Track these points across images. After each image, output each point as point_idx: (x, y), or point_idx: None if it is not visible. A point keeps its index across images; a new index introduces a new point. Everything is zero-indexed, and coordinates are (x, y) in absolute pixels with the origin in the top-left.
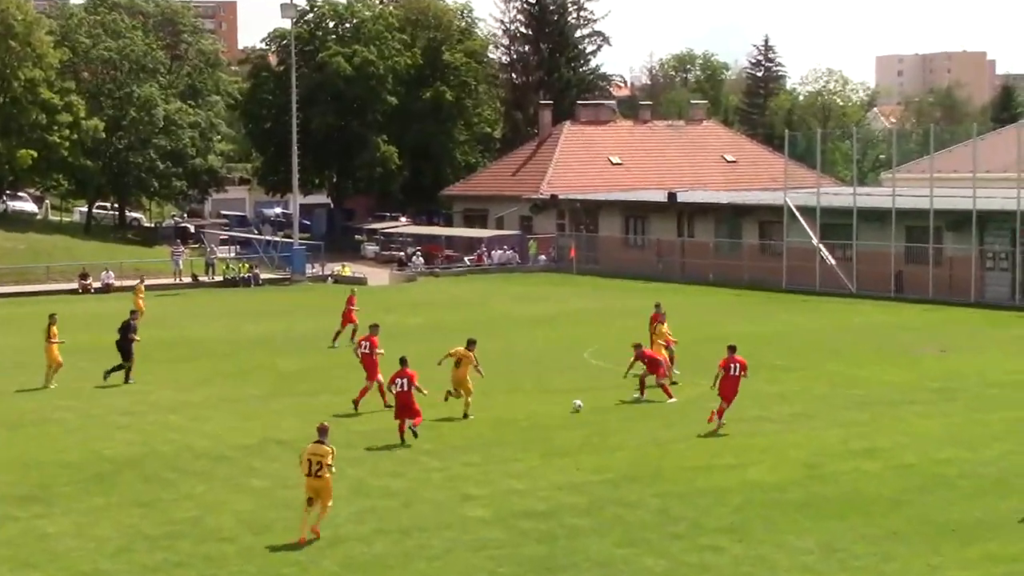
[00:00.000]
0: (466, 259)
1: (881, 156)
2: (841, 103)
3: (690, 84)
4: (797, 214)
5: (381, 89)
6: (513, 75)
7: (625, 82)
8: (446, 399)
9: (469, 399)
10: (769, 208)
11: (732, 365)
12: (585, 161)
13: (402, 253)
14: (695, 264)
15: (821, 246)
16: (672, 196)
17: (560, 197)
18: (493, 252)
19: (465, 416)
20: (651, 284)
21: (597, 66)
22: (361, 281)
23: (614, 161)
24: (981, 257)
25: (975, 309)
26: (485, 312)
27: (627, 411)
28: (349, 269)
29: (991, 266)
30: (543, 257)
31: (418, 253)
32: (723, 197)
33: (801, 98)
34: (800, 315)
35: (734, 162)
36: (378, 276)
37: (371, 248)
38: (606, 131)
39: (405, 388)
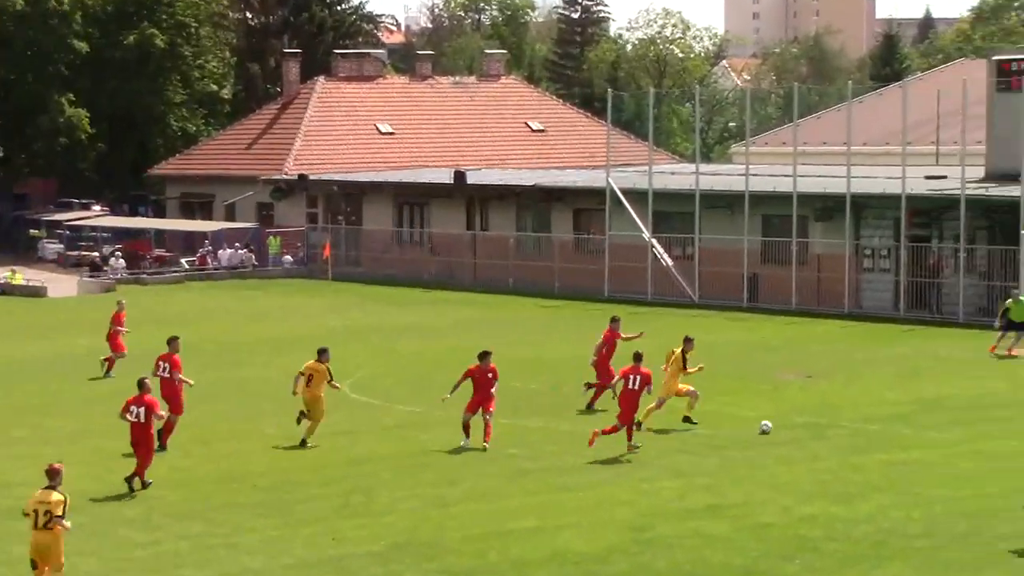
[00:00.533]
0: (184, 261)
1: (731, 124)
2: (681, 55)
3: (484, 29)
4: (623, 200)
5: (65, 31)
6: (248, 14)
7: (398, 25)
8: (298, 421)
9: (317, 424)
10: (587, 192)
11: (633, 377)
12: (345, 130)
13: (95, 254)
14: (490, 266)
15: (654, 242)
16: (460, 176)
17: (311, 178)
18: (221, 252)
19: (303, 444)
20: (431, 292)
21: (361, 3)
22: (39, 292)
23: (383, 130)
24: (857, 255)
25: (849, 322)
26: (208, 332)
27: (399, 461)
28: (21, 276)
29: (869, 266)
30: (288, 258)
31: (117, 253)
32: (527, 178)
33: (629, 48)
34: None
35: (542, 131)
36: (62, 285)
37: (52, 247)
38: (372, 90)
39: (142, 419)
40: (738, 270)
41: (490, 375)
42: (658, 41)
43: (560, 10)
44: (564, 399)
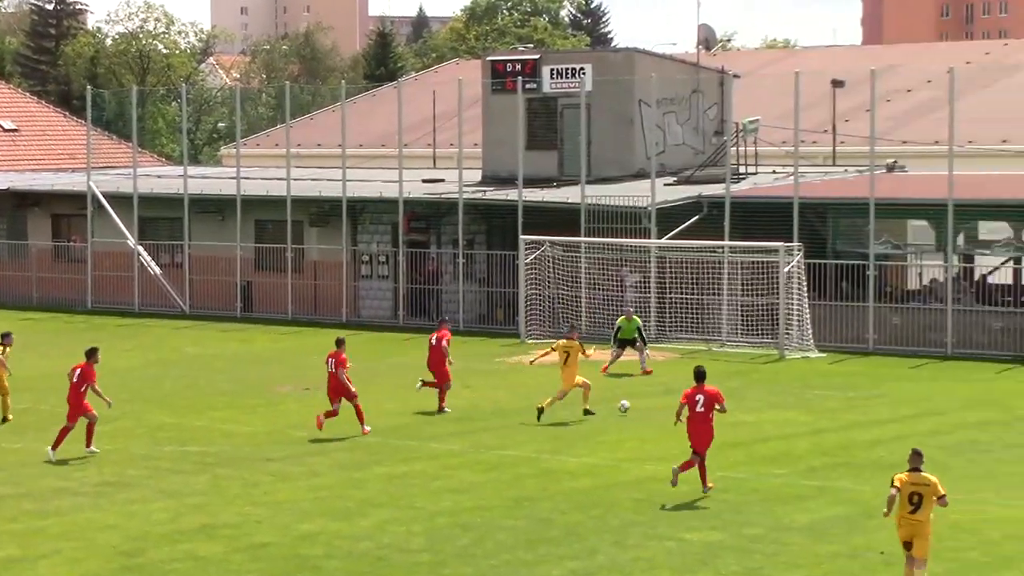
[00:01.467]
0: None
1: (221, 124)
2: (165, 51)
3: None
4: (106, 204)
5: None
6: None
7: None
8: None
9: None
10: (66, 196)
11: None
12: None
13: None
14: None
15: (140, 249)
16: None
17: None
18: None
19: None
20: None
21: None
22: None
23: None
24: (355, 261)
25: (349, 331)
26: None
27: None
28: None
29: (367, 273)
30: None
31: None
32: (0, 180)
33: (109, 42)
34: (111, 345)
35: (15, 131)
36: None
37: None
38: None
39: None
40: (231, 278)
41: None
42: (140, 36)
43: (32, 1)
44: (48, 418)
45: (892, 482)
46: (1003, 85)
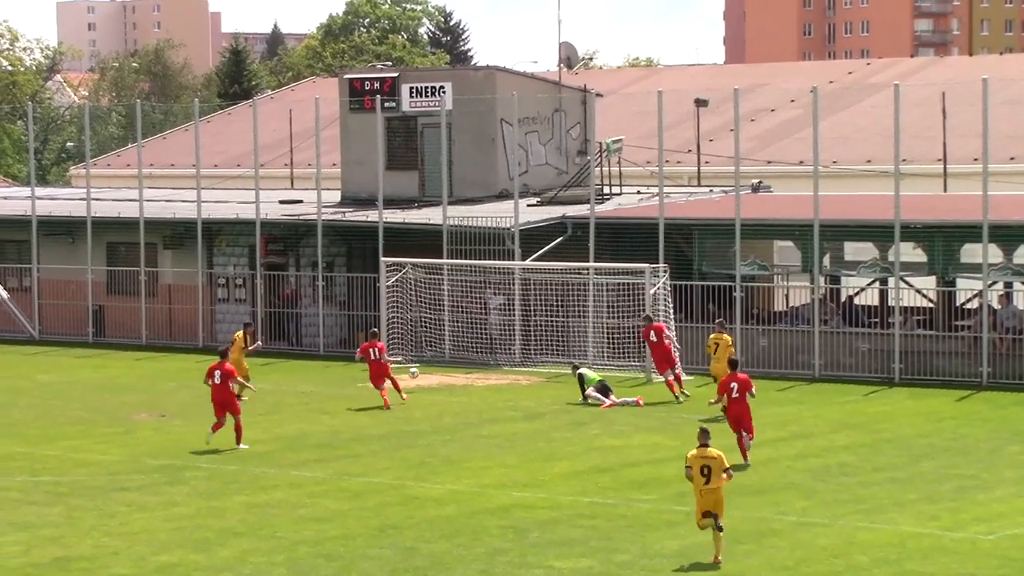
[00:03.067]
0: None
1: (70, 144)
2: (10, 67)
3: None
4: None
5: None
6: None
7: None
8: None
9: None
10: None
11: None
12: None
13: None
14: None
15: None
16: None
17: None
18: None
19: None
20: None
21: None
22: None
23: None
24: (211, 285)
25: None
26: None
27: None
28: None
29: (224, 296)
30: None
31: None
32: None
33: None
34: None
35: None
36: None
37: None
38: None
39: None
40: (83, 302)
41: None
42: None
43: None
44: None
45: (685, 461)
46: (867, 104)
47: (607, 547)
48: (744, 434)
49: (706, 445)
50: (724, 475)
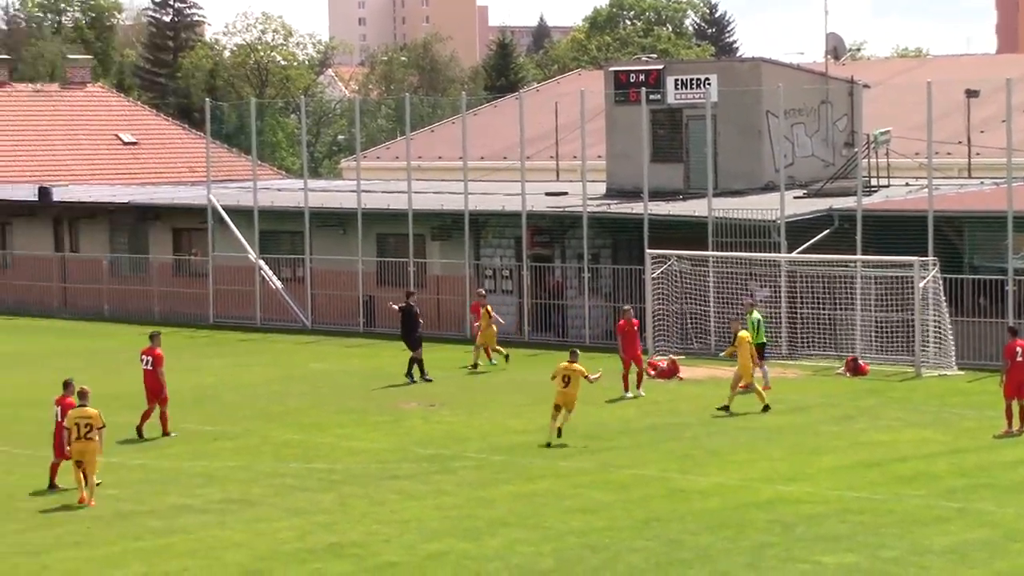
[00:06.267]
0: None
1: (340, 137)
2: (284, 62)
3: (66, 30)
4: (227, 218)
5: None
6: None
7: None
8: None
9: None
10: (187, 210)
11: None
12: None
13: None
14: (82, 291)
15: (262, 263)
16: (44, 193)
17: None
18: None
19: None
20: (16, 320)
21: None
22: None
23: None
24: (478, 276)
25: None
26: None
27: None
28: None
29: (491, 288)
30: None
31: None
32: (120, 194)
33: (227, 54)
34: (234, 361)
35: (134, 144)
36: None
37: None
38: None
39: None
40: (353, 293)
41: None
42: (258, 47)
43: (150, 13)
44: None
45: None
46: None
47: (874, 543)
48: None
49: (574, 360)
50: (586, 379)
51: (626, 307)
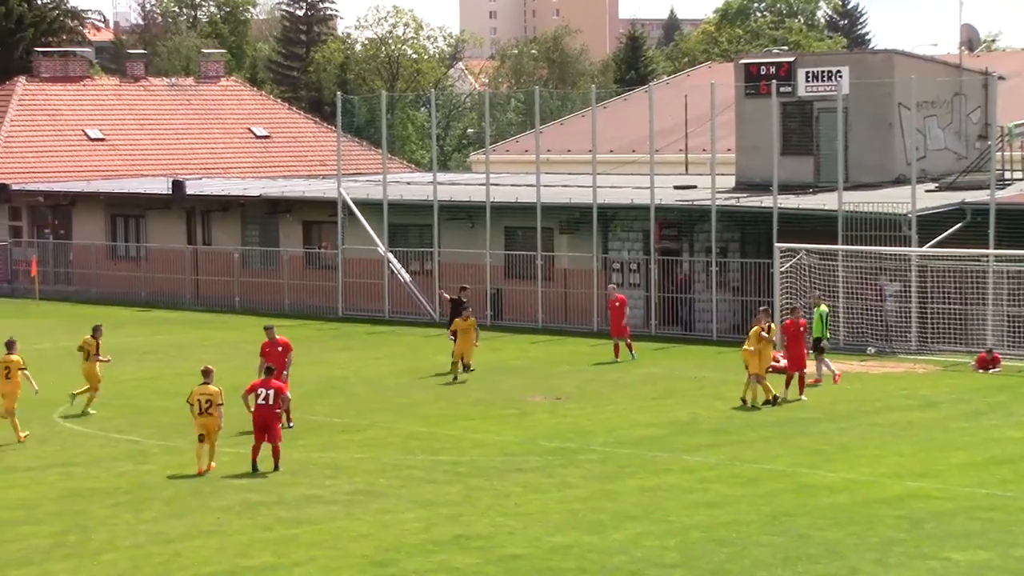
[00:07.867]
0: None
1: (470, 130)
2: (414, 56)
3: (201, 26)
4: (356, 211)
5: None
6: None
7: (106, 21)
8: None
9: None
10: (317, 203)
11: None
12: (50, 136)
13: None
14: (214, 283)
15: (390, 256)
16: (178, 186)
17: (12, 188)
18: None
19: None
20: (149, 312)
21: None
22: None
23: (92, 135)
24: (606, 269)
25: (599, 340)
26: None
27: (117, 495)
28: None
29: (619, 281)
30: None
31: None
32: (252, 187)
33: (358, 48)
34: (363, 353)
35: (266, 137)
36: None
37: None
38: (80, 92)
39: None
40: (481, 286)
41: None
42: (389, 41)
43: (284, 7)
44: (301, 426)
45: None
46: None
47: (1006, 540)
48: None
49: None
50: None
51: (795, 305)
